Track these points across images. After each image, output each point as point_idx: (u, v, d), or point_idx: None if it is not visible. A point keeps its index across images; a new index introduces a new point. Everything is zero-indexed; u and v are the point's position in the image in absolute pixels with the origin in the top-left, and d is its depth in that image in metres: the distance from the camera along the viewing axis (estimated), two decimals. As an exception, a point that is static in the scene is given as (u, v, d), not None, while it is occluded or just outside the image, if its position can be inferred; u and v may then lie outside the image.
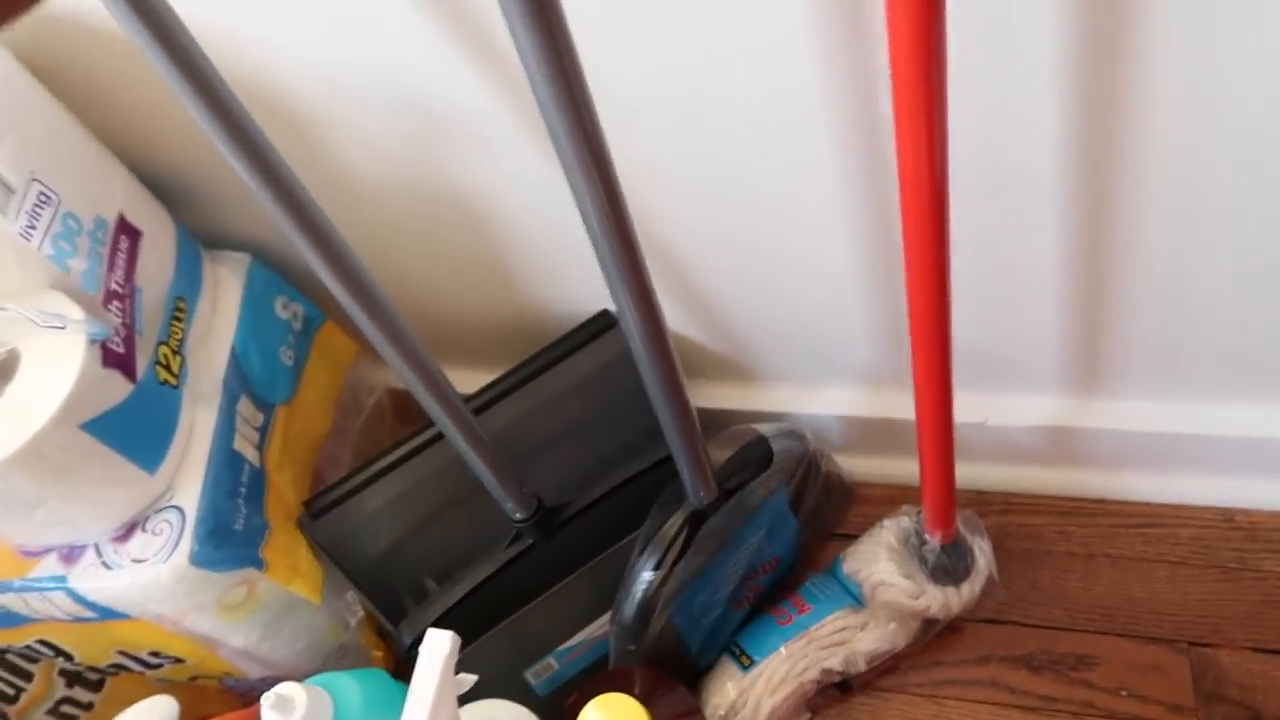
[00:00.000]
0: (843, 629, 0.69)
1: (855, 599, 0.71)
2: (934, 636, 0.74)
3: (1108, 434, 0.73)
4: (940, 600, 0.69)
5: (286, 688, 0.56)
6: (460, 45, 0.53)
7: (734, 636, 0.73)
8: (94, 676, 0.74)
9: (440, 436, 0.69)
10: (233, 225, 0.71)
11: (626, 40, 0.51)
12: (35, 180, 0.53)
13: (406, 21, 0.52)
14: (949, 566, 0.68)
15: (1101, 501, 0.78)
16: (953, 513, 0.66)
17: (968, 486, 0.80)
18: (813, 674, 0.69)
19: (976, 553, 0.70)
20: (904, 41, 0.38)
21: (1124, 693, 0.71)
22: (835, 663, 0.69)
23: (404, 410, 0.86)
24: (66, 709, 0.74)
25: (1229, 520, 0.75)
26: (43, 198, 0.53)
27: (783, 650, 0.70)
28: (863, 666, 0.69)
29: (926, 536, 0.68)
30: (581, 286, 0.72)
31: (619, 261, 0.46)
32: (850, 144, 0.55)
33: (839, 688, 0.72)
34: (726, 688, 0.70)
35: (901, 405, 0.74)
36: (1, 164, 0.51)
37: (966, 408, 0.73)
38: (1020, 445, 0.76)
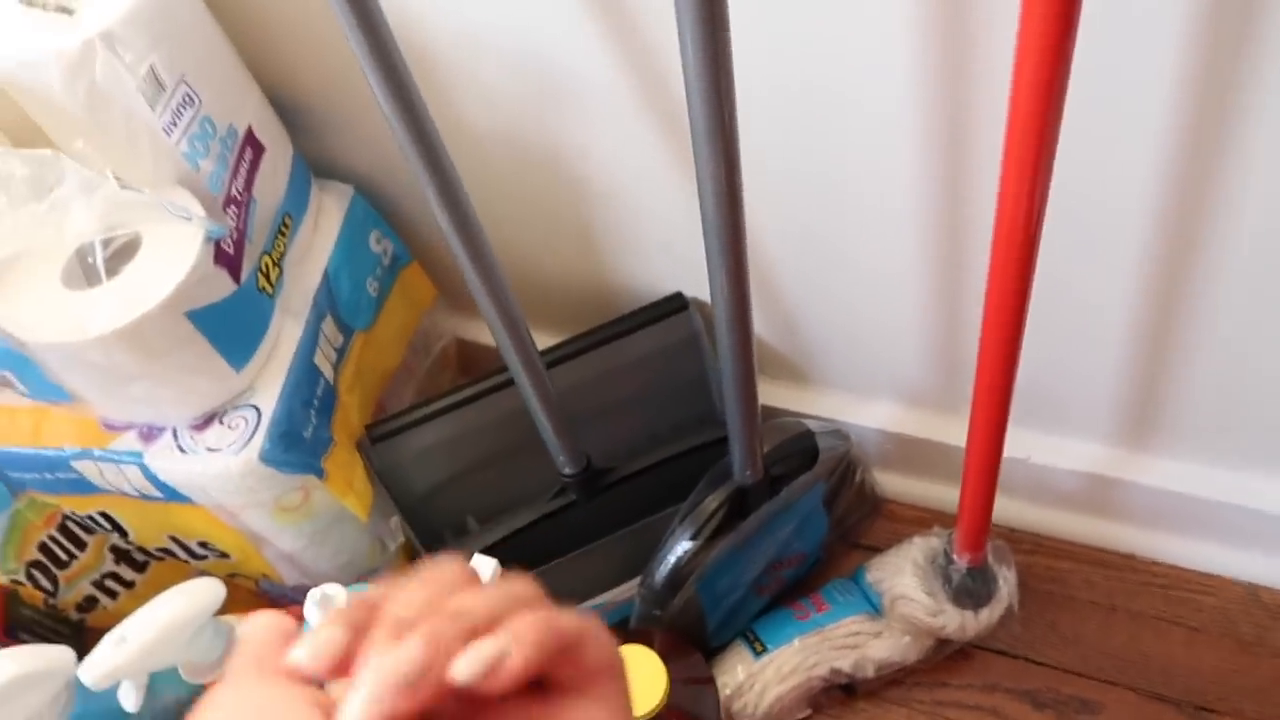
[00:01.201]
0: (857, 633, 0.71)
1: (874, 607, 0.73)
2: (944, 657, 0.76)
3: (1148, 490, 0.74)
4: (957, 622, 0.70)
5: (331, 587, 0.59)
6: (590, 21, 0.56)
7: (750, 623, 0.76)
8: (141, 558, 0.78)
9: (502, 386, 0.72)
10: (343, 158, 0.75)
11: (740, 31, 0.53)
12: (184, 83, 0.57)
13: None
14: (972, 590, 0.70)
15: (1130, 556, 0.79)
16: (985, 538, 0.68)
17: (1000, 521, 0.81)
18: (821, 671, 0.71)
19: (1000, 581, 0.71)
20: (1027, 81, 0.39)
21: (1123, 744, 0.72)
22: (845, 664, 0.71)
23: (468, 361, 0.89)
24: (110, 583, 0.78)
25: (1254, 596, 0.76)
26: (187, 99, 0.57)
27: (796, 643, 0.72)
28: (871, 673, 0.71)
29: (954, 558, 0.70)
30: (658, 266, 0.74)
31: (724, 236, 0.48)
32: (935, 161, 0.57)
33: (844, 690, 0.74)
34: (736, 669, 0.73)
35: (942, 428, 0.77)
36: (159, 63, 0.55)
37: (1012, 442, 0.74)
38: (1059, 488, 0.77)
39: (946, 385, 0.74)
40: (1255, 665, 0.73)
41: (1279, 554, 0.74)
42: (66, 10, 0.52)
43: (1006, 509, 0.81)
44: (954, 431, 0.74)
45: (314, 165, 0.73)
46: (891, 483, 0.83)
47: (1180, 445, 0.71)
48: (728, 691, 0.71)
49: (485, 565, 0.55)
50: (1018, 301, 0.50)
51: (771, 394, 0.81)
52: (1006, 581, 0.72)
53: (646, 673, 0.57)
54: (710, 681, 0.66)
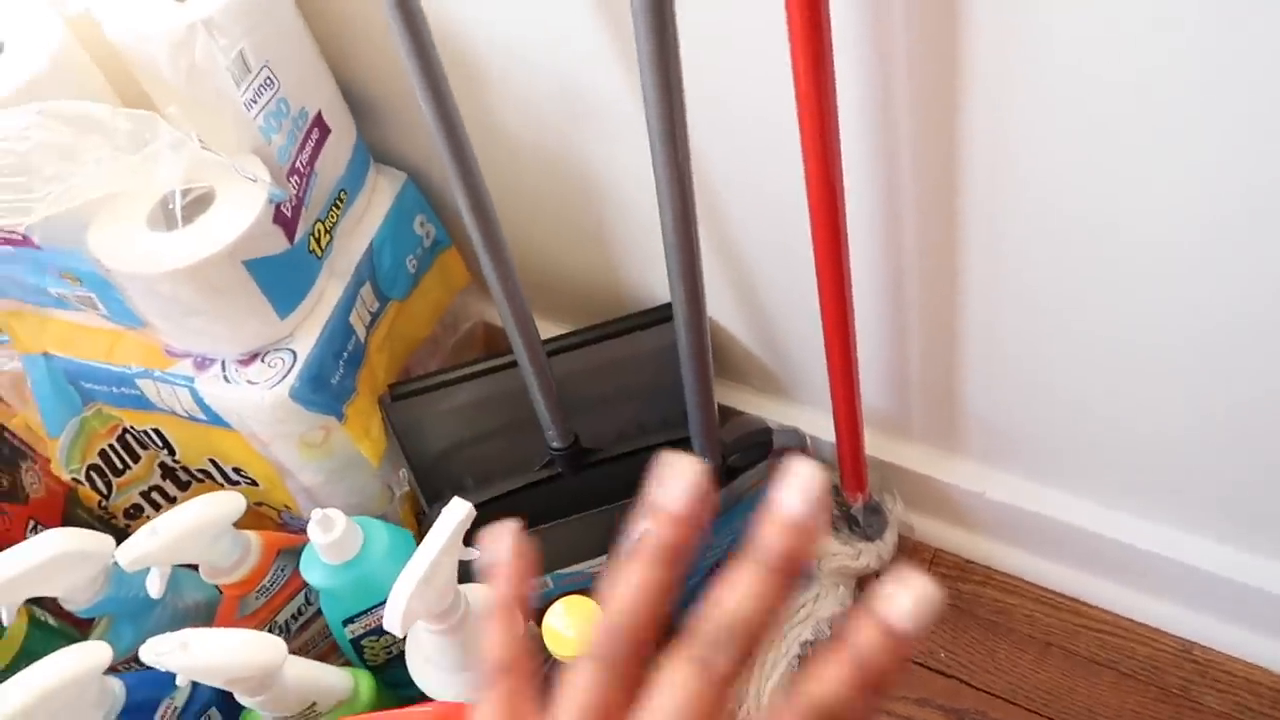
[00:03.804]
0: (803, 605, 0.78)
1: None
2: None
3: (1098, 538, 0.78)
4: (874, 553, 0.80)
5: (332, 511, 0.68)
6: (615, 49, 0.65)
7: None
8: (184, 477, 0.89)
9: (511, 365, 0.81)
10: (401, 148, 0.85)
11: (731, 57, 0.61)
12: (267, 68, 0.67)
13: (583, 19, 0.64)
14: (872, 523, 0.80)
15: (1075, 600, 0.84)
16: (866, 475, 0.78)
17: (954, 551, 0.87)
18: (795, 650, 0.78)
19: (887, 507, 0.81)
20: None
21: (1038, 770, 0.77)
22: (808, 634, 0.78)
23: (493, 343, 0.99)
24: (155, 496, 0.89)
25: (1187, 651, 0.80)
26: (268, 82, 0.67)
27: None
28: (827, 631, 0.80)
29: (848, 502, 0.79)
30: (662, 274, 0.82)
31: (678, 238, 0.57)
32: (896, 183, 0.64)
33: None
34: None
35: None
36: (248, 50, 0.65)
37: (969, 475, 0.81)
38: (1012, 525, 0.83)
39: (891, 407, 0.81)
40: (1176, 715, 0.77)
41: (1215, 614, 0.78)
42: (179, -2, 0.63)
43: (961, 540, 0.87)
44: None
45: (375, 151, 0.83)
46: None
47: (1132, 500, 0.76)
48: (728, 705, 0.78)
49: (459, 508, 0.63)
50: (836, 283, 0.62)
51: (754, 403, 0.88)
52: (893, 503, 0.82)
53: (588, 621, 0.64)
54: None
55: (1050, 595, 0.84)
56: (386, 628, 0.62)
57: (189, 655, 0.63)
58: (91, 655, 0.65)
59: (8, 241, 0.67)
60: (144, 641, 0.64)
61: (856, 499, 0.79)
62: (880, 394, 0.79)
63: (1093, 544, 0.79)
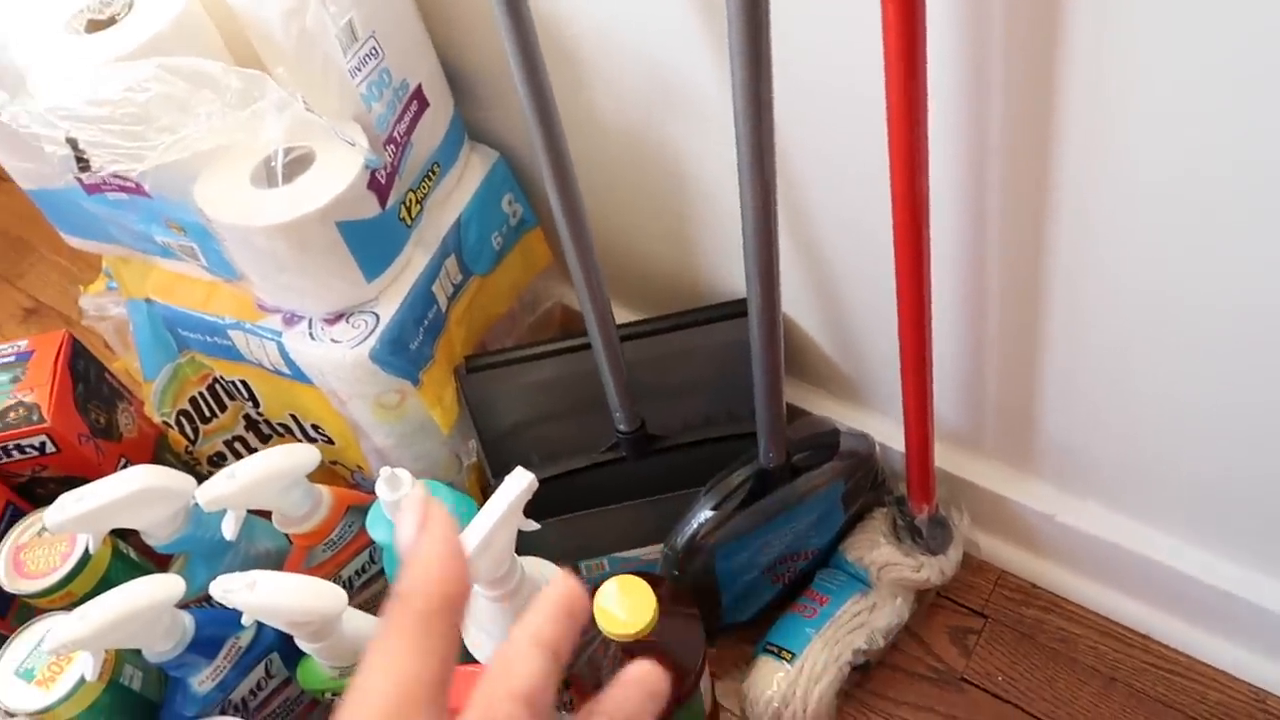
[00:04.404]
0: (859, 612, 0.78)
1: (864, 583, 0.80)
2: (934, 688, 0.80)
3: (1175, 574, 0.75)
4: (936, 568, 0.78)
5: (400, 470, 0.70)
6: (707, 40, 0.65)
7: (769, 635, 0.81)
8: (265, 430, 0.92)
9: (585, 347, 0.82)
10: (496, 127, 0.87)
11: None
12: (373, 39, 0.70)
13: (679, 10, 0.65)
14: (936, 536, 0.79)
15: (1145, 637, 0.81)
16: (934, 488, 0.76)
17: (1021, 574, 0.85)
18: (846, 656, 0.77)
19: (953, 521, 0.80)
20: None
21: (1090, 807, 0.74)
22: (861, 642, 0.77)
23: (568, 327, 1.00)
24: (237, 445, 0.93)
25: (1260, 701, 0.76)
26: (373, 52, 0.70)
27: (816, 641, 0.78)
28: (881, 642, 0.78)
29: (913, 514, 0.77)
30: (739, 269, 0.82)
31: (757, 229, 0.57)
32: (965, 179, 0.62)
33: (859, 670, 0.79)
34: (774, 681, 0.78)
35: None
36: (356, 19, 0.68)
37: (1041, 497, 0.79)
38: (1082, 552, 0.80)
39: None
40: (1244, 767, 0.74)
41: (1296, 666, 0.75)
42: (296, -34, 0.65)
43: (1029, 563, 0.84)
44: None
45: (470, 128, 0.85)
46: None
47: (1213, 537, 0.73)
48: (775, 704, 0.77)
49: (521, 477, 0.64)
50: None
51: (829, 408, 0.88)
52: (960, 519, 0.81)
53: (640, 602, 0.64)
54: (699, 634, 0.72)
55: (1118, 629, 0.81)
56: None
57: (255, 594, 0.66)
58: (166, 586, 0.69)
59: (122, 189, 0.71)
60: (207, 581, 0.68)
61: (922, 510, 0.78)
62: (953, 406, 0.78)
63: (1168, 579, 0.76)
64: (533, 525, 0.66)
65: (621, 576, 0.66)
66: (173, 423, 0.88)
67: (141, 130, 0.61)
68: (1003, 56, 0.53)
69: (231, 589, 0.66)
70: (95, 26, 0.66)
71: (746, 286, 0.62)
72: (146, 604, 0.68)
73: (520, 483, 0.65)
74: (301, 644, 0.71)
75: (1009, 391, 0.73)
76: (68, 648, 0.67)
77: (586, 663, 0.69)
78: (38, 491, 0.87)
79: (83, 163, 0.61)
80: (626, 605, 0.65)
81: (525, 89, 0.60)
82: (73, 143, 0.60)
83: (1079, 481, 0.77)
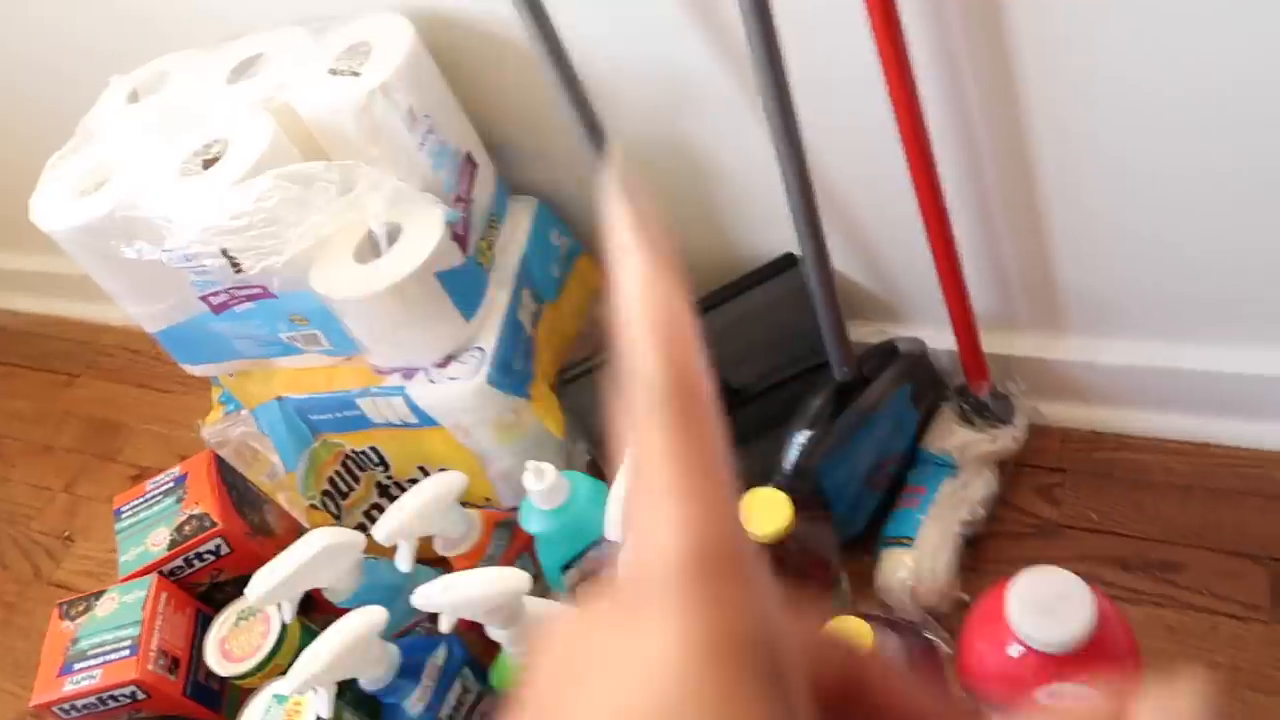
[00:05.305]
0: (954, 491, 0.87)
1: (951, 467, 0.90)
2: (1039, 540, 0.90)
3: (1212, 376, 0.86)
4: (1009, 435, 0.89)
5: (544, 464, 0.81)
6: (711, 38, 0.79)
7: (884, 532, 0.91)
8: (395, 493, 1.03)
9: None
10: (528, 178, 1.00)
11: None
12: (428, 118, 0.83)
13: (675, 19, 0.78)
14: (1001, 409, 0.89)
15: (1204, 444, 0.91)
16: (985, 366, 0.88)
17: (1083, 426, 0.96)
18: (955, 529, 0.87)
19: (1012, 393, 0.91)
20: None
21: (1205, 592, 0.83)
22: (965, 514, 0.87)
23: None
24: (374, 514, 1.03)
25: (1320, 465, 0.86)
26: (430, 129, 0.83)
27: (927, 522, 0.88)
28: (981, 513, 0.89)
29: (975, 394, 0.88)
30: (766, 234, 0.95)
31: (799, 188, 0.70)
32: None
33: (970, 545, 0.89)
34: (904, 562, 0.87)
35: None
36: (415, 105, 0.81)
37: (1077, 348, 0.90)
38: (1129, 387, 0.91)
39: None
40: (1326, 521, 0.84)
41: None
42: (355, 73, 0.79)
43: (1086, 415, 0.95)
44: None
45: (506, 183, 0.99)
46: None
47: (1236, 329, 0.83)
48: (911, 582, 0.86)
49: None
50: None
51: (868, 332, 0.99)
52: (1018, 389, 0.91)
53: (775, 508, 0.75)
54: (830, 531, 0.82)
55: (1180, 445, 0.92)
56: (608, 537, 0.74)
57: (451, 592, 0.76)
58: (372, 615, 0.79)
59: (250, 297, 0.84)
60: (393, 623, 0.78)
61: (981, 388, 0.89)
62: (984, 293, 0.90)
63: (1207, 384, 0.87)
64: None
65: (753, 490, 0.76)
66: (319, 504, 0.99)
67: (275, 229, 0.73)
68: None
69: (430, 594, 0.76)
70: (208, 164, 0.80)
71: (798, 239, 0.75)
72: (364, 631, 0.78)
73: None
74: (493, 633, 0.80)
75: (1026, 262, 0.85)
76: (309, 684, 0.76)
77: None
78: (216, 597, 0.98)
79: (236, 266, 0.74)
80: (763, 513, 0.75)
81: (581, 128, 0.73)
82: (224, 252, 0.73)
83: (1106, 324, 0.88)
